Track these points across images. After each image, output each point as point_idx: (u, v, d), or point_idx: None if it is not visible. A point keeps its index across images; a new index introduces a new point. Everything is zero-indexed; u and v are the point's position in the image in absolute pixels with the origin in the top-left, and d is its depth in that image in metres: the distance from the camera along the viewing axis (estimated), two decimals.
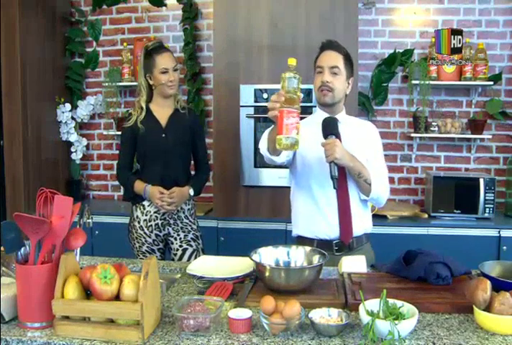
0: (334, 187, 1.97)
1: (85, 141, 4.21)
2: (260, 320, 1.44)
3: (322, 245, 2.12)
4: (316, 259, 1.82)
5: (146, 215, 2.70)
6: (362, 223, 2.23)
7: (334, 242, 2.18)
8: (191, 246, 2.74)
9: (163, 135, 2.68)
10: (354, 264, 1.96)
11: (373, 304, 1.43)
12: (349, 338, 1.39)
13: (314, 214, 2.20)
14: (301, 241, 2.22)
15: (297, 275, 1.69)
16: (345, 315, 1.45)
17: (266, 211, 3.39)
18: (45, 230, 1.46)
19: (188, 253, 2.73)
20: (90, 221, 2.01)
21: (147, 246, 2.72)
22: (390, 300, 1.45)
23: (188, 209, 2.78)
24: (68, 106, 4.06)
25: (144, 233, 2.70)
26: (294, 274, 1.70)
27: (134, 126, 2.67)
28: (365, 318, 1.38)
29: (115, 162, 4.18)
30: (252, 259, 1.77)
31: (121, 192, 4.24)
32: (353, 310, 1.55)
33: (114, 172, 4.22)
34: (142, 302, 1.37)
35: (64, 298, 1.41)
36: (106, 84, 3.99)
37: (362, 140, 2.22)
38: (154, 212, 2.69)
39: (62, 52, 4.13)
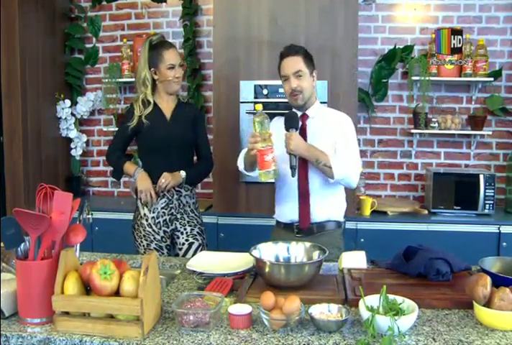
0: (293, 176, 2.19)
1: (84, 138, 4.21)
2: (260, 315, 1.44)
3: (286, 228, 2.41)
4: (315, 255, 1.82)
5: (153, 212, 2.69)
6: (324, 210, 2.37)
7: (295, 225, 2.37)
8: (197, 240, 2.73)
9: (168, 129, 2.67)
10: (354, 259, 1.96)
11: (373, 300, 1.44)
12: (349, 334, 1.39)
13: (281, 200, 2.45)
14: (277, 224, 2.49)
15: (297, 271, 1.69)
16: (345, 310, 1.46)
17: (266, 207, 3.37)
18: (45, 226, 1.46)
19: (194, 247, 2.71)
20: (90, 216, 2.01)
21: (156, 244, 2.69)
22: (390, 296, 1.45)
23: (193, 203, 2.78)
24: (68, 102, 4.05)
25: (153, 230, 2.68)
26: (294, 269, 1.70)
27: (138, 120, 2.66)
28: (365, 314, 1.38)
29: None
30: (251, 255, 1.77)
31: (121, 188, 4.27)
32: (353, 305, 1.55)
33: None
34: (141, 297, 1.37)
35: (64, 294, 1.42)
36: (106, 80, 3.99)
37: (330, 131, 2.36)
38: (162, 208, 2.68)
39: (62, 48, 4.12)
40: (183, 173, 2.69)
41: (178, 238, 2.74)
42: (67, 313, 1.42)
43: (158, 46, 2.66)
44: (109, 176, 4.28)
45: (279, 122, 2.32)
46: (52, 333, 1.40)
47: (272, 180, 2.23)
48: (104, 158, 4.26)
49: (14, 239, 1.49)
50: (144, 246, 2.70)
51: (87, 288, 1.47)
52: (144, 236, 2.70)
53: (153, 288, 1.46)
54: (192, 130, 2.75)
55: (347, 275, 1.83)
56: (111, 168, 2.92)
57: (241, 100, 3.37)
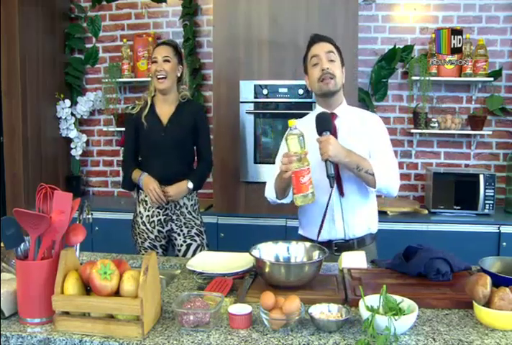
0: (331, 186, 1.93)
1: (84, 138, 4.21)
2: (260, 315, 1.44)
3: (322, 245, 1.98)
4: (316, 255, 1.82)
5: (148, 210, 2.70)
6: (363, 223, 2.19)
7: (333, 243, 2.16)
8: (195, 241, 2.74)
9: (162, 134, 2.66)
10: (354, 259, 1.96)
11: (373, 300, 1.43)
12: (349, 334, 1.39)
13: (312, 216, 2.16)
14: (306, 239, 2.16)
15: (297, 271, 1.69)
16: (345, 310, 1.45)
17: (266, 207, 3.37)
18: (45, 226, 1.46)
19: (192, 248, 2.72)
20: (90, 216, 2.00)
21: (149, 242, 2.72)
22: (390, 296, 1.45)
23: (191, 205, 2.77)
24: (68, 102, 4.05)
25: (147, 228, 2.70)
26: (294, 269, 1.70)
27: (137, 120, 2.66)
28: (365, 314, 1.38)
29: (115, 159, 4.22)
30: (251, 255, 1.76)
31: (121, 189, 4.26)
32: (353, 305, 1.55)
33: (115, 167, 4.24)
34: (141, 297, 1.37)
35: (64, 294, 1.41)
36: (106, 80, 3.99)
37: (363, 133, 2.15)
38: (157, 208, 2.69)
39: (62, 48, 4.13)
40: (190, 184, 2.67)
41: (176, 239, 2.75)
42: (67, 313, 1.42)
43: (156, 46, 2.70)
44: (109, 176, 4.29)
45: (308, 128, 2.00)
46: (52, 333, 1.40)
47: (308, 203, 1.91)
48: (104, 158, 4.28)
49: (14, 239, 1.49)
50: (138, 243, 2.74)
51: (87, 288, 1.46)
52: (138, 233, 2.73)
53: (153, 288, 1.46)
54: (191, 133, 2.72)
55: (347, 275, 1.82)
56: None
57: (241, 100, 3.37)
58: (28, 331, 1.42)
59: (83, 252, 2.14)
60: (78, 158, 4.23)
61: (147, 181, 2.63)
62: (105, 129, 4.17)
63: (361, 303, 1.43)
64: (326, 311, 1.46)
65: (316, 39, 2.19)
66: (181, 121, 2.69)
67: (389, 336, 1.31)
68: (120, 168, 3.93)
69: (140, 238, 2.72)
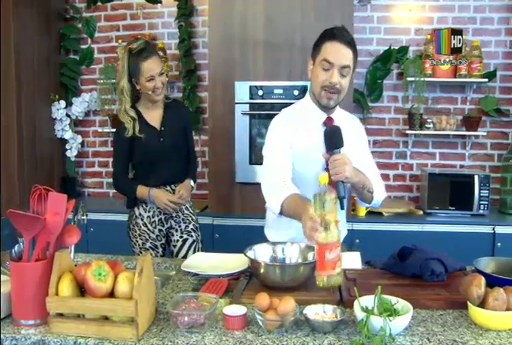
0: (342, 208, 1.71)
1: (80, 139, 4.20)
2: (255, 316, 1.44)
3: None
4: (310, 256, 1.82)
5: (149, 211, 2.70)
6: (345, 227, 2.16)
7: None
8: (191, 236, 2.76)
9: (161, 139, 2.65)
10: (349, 260, 1.96)
11: (368, 300, 1.44)
12: (343, 335, 1.39)
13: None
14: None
15: (292, 272, 1.69)
16: (340, 311, 1.46)
17: (261, 208, 3.36)
18: (39, 227, 1.46)
19: (187, 243, 2.74)
20: (84, 217, 2.00)
21: (151, 242, 2.71)
22: (385, 297, 1.45)
23: (188, 201, 2.80)
24: (63, 103, 4.04)
25: (148, 229, 2.70)
26: (289, 270, 1.70)
27: (130, 137, 2.62)
28: (360, 315, 1.38)
29: (110, 160, 4.18)
30: (246, 256, 1.77)
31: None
32: (348, 306, 1.55)
33: (110, 168, 4.22)
34: (136, 299, 1.37)
35: (58, 295, 1.41)
36: (101, 81, 3.99)
37: (352, 139, 2.00)
38: (157, 207, 2.69)
39: (57, 48, 4.12)
40: (192, 182, 2.76)
41: (173, 235, 2.76)
42: (61, 315, 1.41)
43: (137, 55, 2.54)
44: (104, 177, 4.28)
45: (304, 131, 1.93)
46: (47, 335, 1.40)
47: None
48: (99, 159, 4.27)
49: (8, 240, 1.48)
50: (139, 245, 2.71)
51: (81, 289, 1.46)
52: (139, 235, 2.71)
53: (148, 289, 1.46)
54: (183, 135, 2.76)
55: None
56: (123, 194, 2.85)
57: (236, 101, 3.37)
58: (22, 333, 1.41)
59: (78, 253, 2.14)
60: (73, 159, 4.21)
61: (159, 195, 2.62)
62: (100, 129, 4.16)
63: (356, 304, 1.43)
64: (321, 312, 1.47)
65: (336, 37, 1.94)
66: (173, 124, 2.70)
67: (384, 337, 1.31)
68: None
69: (141, 239, 2.70)
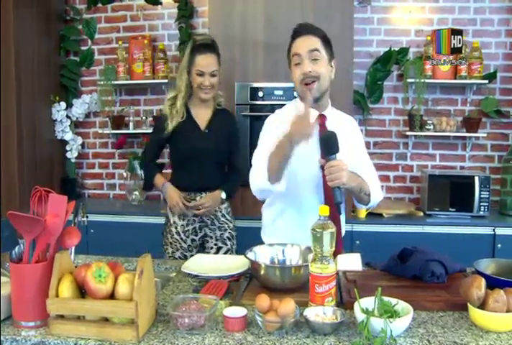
0: (340, 213, 1.76)
1: (80, 140, 4.20)
2: (255, 318, 1.44)
3: None
4: (311, 258, 1.82)
5: (183, 220, 2.67)
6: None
7: None
8: (226, 244, 2.72)
9: (203, 140, 2.63)
10: (350, 262, 1.96)
11: (368, 302, 1.44)
12: (343, 336, 1.39)
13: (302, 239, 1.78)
14: None
15: (292, 273, 1.69)
16: (340, 313, 1.45)
17: (261, 210, 3.39)
18: (39, 229, 1.45)
19: (221, 252, 2.70)
20: (85, 219, 2.00)
21: (181, 253, 2.66)
22: (385, 298, 1.45)
23: (225, 207, 2.76)
24: (63, 104, 4.04)
25: (181, 238, 2.66)
26: (289, 272, 1.70)
27: (171, 129, 2.61)
28: (360, 316, 1.38)
29: (110, 161, 4.21)
30: (247, 258, 1.77)
31: (117, 191, 4.26)
32: (348, 308, 1.55)
33: (110, 169, 4.22)
34: (136, 300, 1.37)
35: (58, 297, 1.41)
36: (101, 82, 3.98)
37: (348, 139, 1.99)
38: (193, 216, 2.66)
39: (57, 50, 4.12)
40: (223, 195, 2.67)
41: (207, 242, 2.72)
42: (61, 316, 1.41)
43: (197, 48, 2.59)
44: (105, 178, 4.28)
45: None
46: (47, 337, 1.39)
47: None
48: (100, 160, 4.27)
49: (8, 242, 1.48)
50: (169, 253, 2.68)
51: (82, 291, 1.46)
52: (170, 243, 2.68)
53: (148, 291, 1.46)
54: (227, 141, 2.71)
55: (342, 277, 1.83)
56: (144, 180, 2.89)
57: (236, 103, 3.37)
58: (22, 335, 1.41)
59: (78, 255, 2.14)
60: (73, 160, 4.21)
61: (171, 194, 2.61)
62: (100, 131, 4.16)
63: (356, 305, 1.43)
64: (321, 313, 1.46)
65: (298, 32, 1.99)
66: (217, 129, 2.68)
67: (385, 339, 1.31)
68: (127, 172, 3.93)
69: (172, 248, 2.67)
